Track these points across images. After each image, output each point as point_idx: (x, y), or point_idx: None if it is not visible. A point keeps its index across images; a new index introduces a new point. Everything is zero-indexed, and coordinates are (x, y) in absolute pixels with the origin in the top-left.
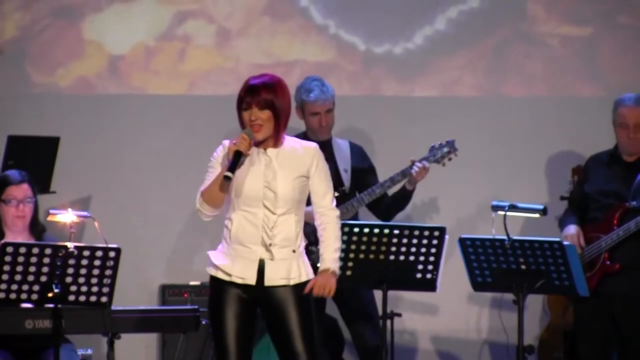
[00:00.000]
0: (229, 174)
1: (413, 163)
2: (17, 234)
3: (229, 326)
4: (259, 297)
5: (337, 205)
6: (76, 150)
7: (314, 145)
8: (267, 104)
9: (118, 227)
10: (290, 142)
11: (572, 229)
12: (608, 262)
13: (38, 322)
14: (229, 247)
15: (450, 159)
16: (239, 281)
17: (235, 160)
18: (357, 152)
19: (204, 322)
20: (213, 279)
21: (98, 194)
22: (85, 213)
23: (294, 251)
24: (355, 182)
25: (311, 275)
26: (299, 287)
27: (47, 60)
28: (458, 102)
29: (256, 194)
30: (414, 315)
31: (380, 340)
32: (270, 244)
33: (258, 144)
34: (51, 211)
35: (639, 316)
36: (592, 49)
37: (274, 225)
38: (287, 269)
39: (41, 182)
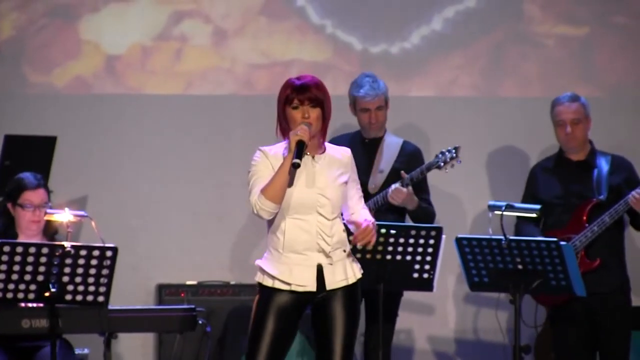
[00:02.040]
0: (297, 161)
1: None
2: (31, 238)
3: (268, 337)
4: (314, 300)
5: None
6: (73, 150)
7: (348, 151)
8: (318, 101)
9: (115, 226)
10: (329, 147)
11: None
12: (587, 260)
13: (35, 321)
14: (282, 256)
15: (452, 166)
16: (300, 289)
17: (300, 149)
18: (407, 153)
19: (200, 322)
20: (264, 287)
21: (95, 193)
22: (82, 212)
23: (344, 251)
24: (394, 182)
25: (360, 271)
26: (351, 288)
27: (44, 60)
28: (454, 102)
29: (310, 201)
30: (411, 315)
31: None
32: (329, 251)
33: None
34: (48, 210)
35: (618, 313)
36: (588, 49)
37: (330, 230)
38: (344, 270)
39: None
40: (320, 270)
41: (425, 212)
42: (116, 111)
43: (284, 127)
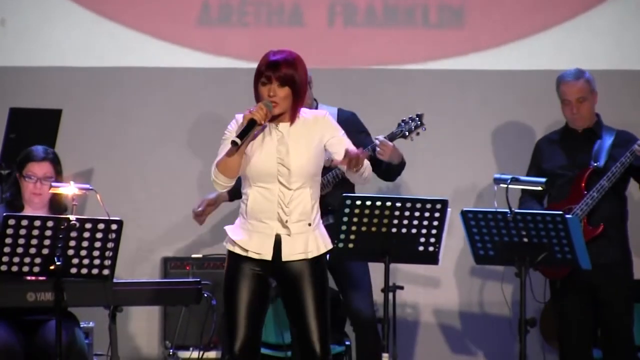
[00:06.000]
0: (236, 139)
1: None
2: (36, 210)
3: (241, 301)
4: (275, 272)
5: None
6: (78, 123)
7: (323, 112)
8: (287, 80)
9: (120, 199)
10: (303, 114)
11: None
12: (589, 227)
13: (40, 294)
14: (246, 222)
15: (418, 134)
16: (256, 256)
17: (248, 128)
18: (345, 120)
19: (205, 295)
20: (230, 253)
21: (100, 166)
22: (87, 186)
23: (309, 224)
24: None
25: (329, 246)
26: (316, 261)
27: (48, 32)
28: (460, 76)
29: (270, 170)
30: (416, 288)
31: (373, 312)
32: (286, 220)
33: (272, 119)
34: (53, 184)
35: (620, 286)
36: (597, 24)
37: (290, 200)
38: (304, 243)
39: None
40: (278, 240)
41: (402, 165)
42: (122, 84)
43: (257, 99)
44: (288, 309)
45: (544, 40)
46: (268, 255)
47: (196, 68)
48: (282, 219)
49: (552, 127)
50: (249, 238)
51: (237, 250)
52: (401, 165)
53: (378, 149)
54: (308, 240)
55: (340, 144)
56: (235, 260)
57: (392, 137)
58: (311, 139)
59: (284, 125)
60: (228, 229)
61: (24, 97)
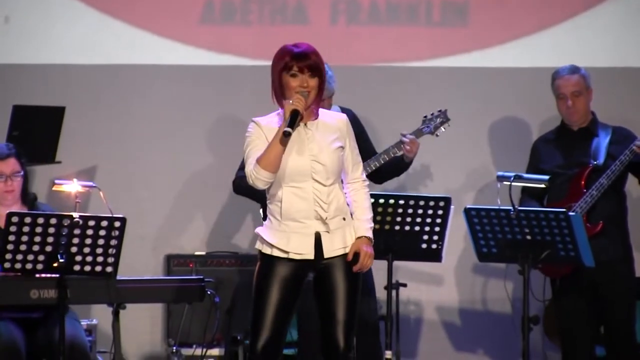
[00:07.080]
0: (288, 129)
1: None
2: (9, 208)
3: (271, 301)
4: (314, 267)
5: None
6: (82, 120)
7: (344, 116)
8: (317, 69)
9: (123, 197)
10: (323, 114)
11: None
12: (589, 225)
13: (43, 292)
14: (281, 224)
15: (444, 129)
16: (297, 257)
17: (294, 118)
18: (351, 119)
19: (209, 292)
20: (265, 255)
21: (103, 164)
22: (90, 183)
23: (344, 219)
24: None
25: None
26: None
27: (53, 29)
28: (462, 72)
29: (303, 169)
30: (419, 286)
31: (377, 316)
32: (326, 218)
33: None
34: (56, 181)
35: (622, 283)
36: (595, 22)
37: (327, 196)
38: (342, 238)
39: (46, 152)
40: (318, 238)
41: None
42: (125, 81)
43: (279, 95)
44: (317, 298)
45: (546, 38)
46: (310, 255)
47: (199, 66)
48: (321, 216)
49: (555, 125)
50: (287, 240)
51: (276, 253)
52: (407, 166)
53: (407, 147)
54: (345, 235)
55: (349, 156)
56: (271, 261)
57: (418, 134)
58: (337, 138)
59: (311, 124)
60: (262, 231)
61: (27, 95)
